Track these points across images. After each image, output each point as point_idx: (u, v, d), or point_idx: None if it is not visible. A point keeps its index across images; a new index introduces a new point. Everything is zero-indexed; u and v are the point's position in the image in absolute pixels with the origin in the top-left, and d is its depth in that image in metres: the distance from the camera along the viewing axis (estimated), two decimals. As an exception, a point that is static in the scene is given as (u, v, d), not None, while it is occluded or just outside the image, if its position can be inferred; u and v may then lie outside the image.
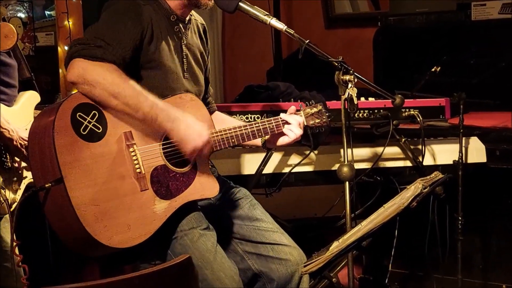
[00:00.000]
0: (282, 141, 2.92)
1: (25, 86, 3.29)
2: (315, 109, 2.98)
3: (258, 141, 2.94)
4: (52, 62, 5.21)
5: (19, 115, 3.11)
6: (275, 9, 6.24)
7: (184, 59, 2.81)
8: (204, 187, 2.70)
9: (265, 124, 2.86)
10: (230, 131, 2.78)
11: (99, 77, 2.45)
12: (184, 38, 2.81)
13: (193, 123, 2.60)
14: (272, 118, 2.89)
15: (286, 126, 2.90)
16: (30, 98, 3.22)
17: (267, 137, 2.92)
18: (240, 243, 2.88)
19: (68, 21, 5.19)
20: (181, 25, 2.80)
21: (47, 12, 5.82)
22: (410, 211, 2.85)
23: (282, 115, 2.91)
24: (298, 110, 2.97)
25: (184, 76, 2.80)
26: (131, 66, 2.60)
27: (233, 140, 2.78)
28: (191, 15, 2.87)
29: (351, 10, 6.71)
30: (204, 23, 3.02)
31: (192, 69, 2.86)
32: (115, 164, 2.49)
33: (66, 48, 5.20)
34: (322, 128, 2.99)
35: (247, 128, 2.81)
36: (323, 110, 2.99)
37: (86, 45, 2.48)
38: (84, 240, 2.42)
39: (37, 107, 3.23)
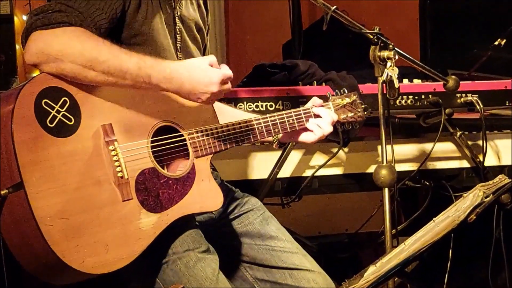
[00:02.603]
0: (304, 138, 2.94)
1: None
2: (347, 100, 2.98)
3: (269, 137, 2.95)
4: (7, 35, 5.22)
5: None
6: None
7: (177, 35, 2.83)
8: (205, 197, 2.71)
9: (283, 117, 2.87)
10: (239, 126, 2.80)
11: (64, 47, 2.45)
12: (178, 8, 2.83)
13: (196, 67, 2.61)
14: (292, 109, 2.90)
15: (311, 119, 2.91)
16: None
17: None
18: (249, 267, 2.90)
19: (28, -16, 5.22)
20: (174, -8, 2.82)
21: (0, -28, 5.83)
22: (467, 226, 2.86)
23: (308, 106, 2.92)
24: (325, 100, 2.96)
25: (177, 56, 2.82)
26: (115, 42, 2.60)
27: (242, 138, 2.80)
28: (188, -21, 2.89)
29: (391, -34, 6.71)
30: None
31: (187, 49, 2.87)
32: (90, 166, 2.50)
33: (24, 18, 5.21)
34: (355, 124, 3.00)
35: (260, 123, 2.83)
36: (358, 101, 2.99)
37: (44, 12, 2.49)
38: (49, 263, 2.41)
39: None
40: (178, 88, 2.58)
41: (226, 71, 2.65)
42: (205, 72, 2.60)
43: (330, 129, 2.91)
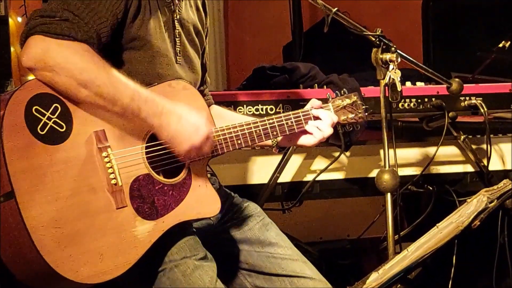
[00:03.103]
0: (304, 141, 2.92)
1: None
2: (347, 101, 2.97)
3: (268, 140, 2.93)
4: (1, 37, 5.22)
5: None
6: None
7: (176, 39, 2.81)
8: (201, 204, 2.70)
9: (282, 120, 2.85)
10: (235, 130, 2.77)
11: (65, 62, 2.44)
12: (177, 11, 2.81)
13: (187, 113, 2.60)
14: (290, 112, 2.88)
15: (310, 122, 2.89)
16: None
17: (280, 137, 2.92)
18: (248, 275, 2.88)
19: (25, -20, 5.21)
20: (174, -5, 2.80)
21: (-6, -29, 5.82)
22: (471, 232, 2.85)
23: (307, 108, 2.90)
24: (325, 101, 2.95)
25: (176, 60, 2.80)
26: (109, 46, 2.59)
27: (239, 142, 2.78)
28: (187, -17, 2.88)
29: (393, -33, 6.71)
30: None
31: (186, 52, 2.86)
32: (83, 174, 2.48)
33: (19, 19, 5.21)
34: (357, 126, 2.99)
35: (258, 126, 2.80)
36: (359, 102, 2.98)
37: (51, 18, 2.46)
38: (42, 273, 2.40)
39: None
40: (163, 126, 2.56)
41: (212, 134, 2.67)
42: (193, 125, 2.60)
43: (330, 131, 2.89)
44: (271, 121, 2.83)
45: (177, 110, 2.58)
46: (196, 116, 2.61)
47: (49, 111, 2.45)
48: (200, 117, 2.62)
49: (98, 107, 2.49)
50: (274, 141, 2.95)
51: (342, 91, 3.01)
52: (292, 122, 2.86)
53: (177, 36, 2.81)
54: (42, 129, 2.43)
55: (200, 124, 2.61)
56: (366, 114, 3.01)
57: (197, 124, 2.60)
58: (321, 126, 2.88)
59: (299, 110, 2.90)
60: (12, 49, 5.03)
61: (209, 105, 3.01)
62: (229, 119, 2.94)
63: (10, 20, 5.26)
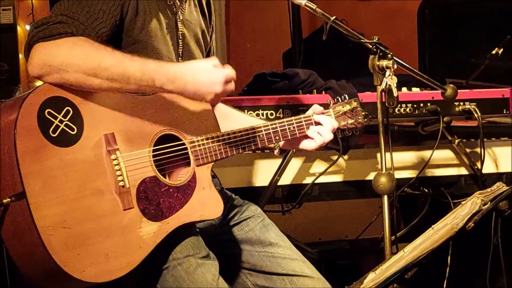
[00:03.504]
0: (305, 145, 2.94)
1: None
2: (348, 107, 2.98)
3: (270, 144, 2.94)
4: (10, 44, 5.21)
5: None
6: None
7: (179, 40, 2.82)
8: (205, 206, 2.71)
9: (284, 125, 2.87)
10: (240, 134, 2.78)
11: (67, 57, 2.45)
12: (180, 13, 2.82)
13: (199, 68, 2.59)
14: (293, 117, 2.89)
15: (311, 127, 2.90)
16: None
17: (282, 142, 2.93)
18: (249, 274, 2.89)
19: (30, -7, 5.21)
20: (176, -3, 2.80)
21: (3, -19, 5.83)
22: (466, 233, 2.85)
23: (309, 113, 2.92)
24: (326, 107, 2.95)
25: (178, 61, 2.80)
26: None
27: (243, 146, 2.79)
28: (190, -16, 2.89)
29: (390, -24, 6.71)
30: None
31: (190, 53, 2.86)
32: (92, 176, 2.49)
33: (27, 27, 5.20)
34: (356, 131, 3.00)
35: (262, 131, 2.82)
36: (358, 108, 2.99)
37: (45, 24, 2.48)
38: (50, 272, 2.41)
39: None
40: (182, 89, 2.56)
41: (229, 71, 2.63)
42: (208, 72, 2.59)
43: (330, 136, 2.91)
44: (274, 126, 2.85)
45: (186, 69, 2.57)
46: (203, 65, 2.61)
47: (61, 114, 2.46)
48: (207, 62, 2.62)
49: (115, 90, 2.50)
50: (276, 145, 2.96)
51: (343, 97, 3.02)
52: (294, 127, 2.88)
53: (180, 37, 2.82)
54: (54, 131, 2.44)
55: (212, 72, 2.59)
56: (366, 120, 3.02)
57: (210, 73, 2.59)
58: (322, 132, 2.89)
59: (301, 116, 2.92)
60: (20, 56, 5.03)
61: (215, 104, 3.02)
62: (234, 119, 2.97)
63: (19, 28, 5.27)
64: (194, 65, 2.60)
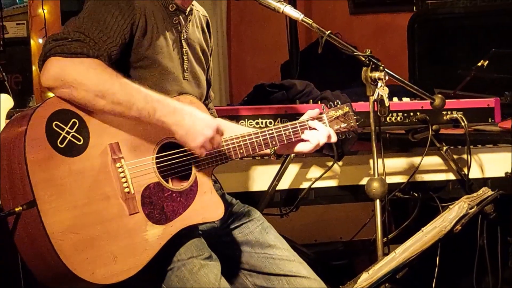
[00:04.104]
0: (300, 148, 2.92)
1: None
2: (340, 112, 2.98)
3: (267, 149, 2.92)
4: (23, 57, 5.22)
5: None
6: (291, -10, 6.24)
7: (184, 57, 2.81)
8: (206, 209, 2.70)
9: (280, 131, 2.85)
10: (238, 140, 2.77)
11: (81, 77, 2.45)
12: (184, 31, 2.81)
13: (197, 112, 2.61)
14: (288, 123, 2.88)
15: (306, 131, 2.89)
16: (1, 103, 3.24)
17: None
18: (249, 275, 2.87)
19: (42, 9, 5.20)
20: (181, 17, 2.79)
21: (17, -3, 5.82)
22: (453, 235, 2.84)
23: (303, 119, 2.91)
24: (320, 113, 2.95)
25: (184, 76, 2.80)
26: (119, 65, 2.59)
27: (241, 151, 2.78)
28: (192, 5, 2.87)
29: (382, -8, 6.71)
30: (207, 15, 3.02)
31: (193, 69, 2.86)
32: (99, 183, 2.48)
33: (40, 41, 5.20)
34: (349, 134, 2.99)
35: (259, 136, 2.81)
36: (350, 113, 2.98)
37: (63, 40, 2.48)
38: (61, 275, 2.40)
39: (8, 113, 3.24)
40: (178, 124, 2.55)
41: (221, 127, 2.66)
42: (204, 118, 2.61)
43: (324, 139, 2.89)
44: (270, 131, 2.83)
45: (187, 108, 2.59)
46: (203, 114, 2.63)
47: (68, 126, 2.46)
48: (206, 114, 2.64)
49: (116, 114, 2.50)
50: (272, 150, 2.94)
51: (335, 102, 3.01)
52: (289, 132, 2.87)
53: (185, 54, 2.80)
54: (61, 142, 2.44)
55: (208, 118, 2.62)
56: (358, 124, 3.01)
57: (206, 118, 2.61)
58: (316, 135, 2.88)
59: (296, 121, 2.91)
60: (33, 67, 5.04)
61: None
62: (231, 130, 2.93)
63: (32, 42, 5.28)
64: (194, 109, 2.61)
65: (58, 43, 2.47)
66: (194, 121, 2.57)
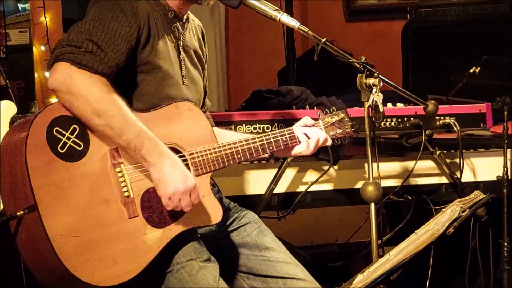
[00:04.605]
0: (298, 149, 2.91)
1: (-2, 94, 3.32)
2: (336, 118, 2.97)
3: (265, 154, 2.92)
4: (26, 64, 5.22)
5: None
6: (287, -1, 6.25)
7: (182, 63, 2.81)
8: (205, 212, 2.68)
9: (277, 137, 2.85)
10: (235, 145, 2.77)
11: (85, 90, 2.44)
12: (181, 38, 2.81)
13: (181, 165, 2.56)
14: (285, 129, 2.88)
15: (301, 137, 2.89)
16: (5, 110, 3.25)
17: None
18: (246, 277, 2.86)
19: (45, 17, 5.20)
20: (178, 24, 2.79)
21: (20, 5, 5.82)
22: (446, 238, 2.84)
23: (297, 126, 2.90)
24: (316, 119, 2.94)
25: (183, 82, 2.80)
26: (123, 69, 2.58)
27: (239, 156, 2.77)
28: (189, 14, 2.87)
29: (376, 1, 6.71)
30: (202, 25, 3.02)
31: (191, 75, 2.85)
32: (99, 187, 2.48)
33: (42, 48, 5.20)
34: (344, 140, 2.98)
35: (256, 142, 2.80)
36: (346, 119, 2.98)
37: (77, 48, 2.47)
38: (62, 277, 2.40)
39: (12, 119, 3.24)
40: (157, 167, 2.50)
41: (197, 191, 2.59)
42: (184, 174, 2.54)
43: (321, 143, 2.90)
44: (267, 137, 2.83)
45: (174, 157, 2.55)
46: (187, 171, 2.57)
47: (68, 132, 2.46)
48: (189, 173, 2.58)
49: (105, 136, 2.49)
50: (269, 154, 2.94)
51: (331, 109, 3.01)
52: (286, 138, 2.87)
53: (182, 60, 2.80)
54: (62, 148, 2.43)
55: (189, 176, 2.56)
56: (353, 129, 3.01)
57: (187, 174, 2.56)
58: (314, 139, 2.88)
59: (293, 127, 2.90)
60: (36, 74, 5.04)
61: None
62: (228, 137, 2.93)
63: (34, 49, 5.28)
64: (179, 162, 2.56)
65: (71, 50, 2.46)
66: (172, 171, 2.52)
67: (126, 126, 2.48)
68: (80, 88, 2.44)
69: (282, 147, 2.86)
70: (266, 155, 2.92)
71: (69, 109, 2.47)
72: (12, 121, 3.27)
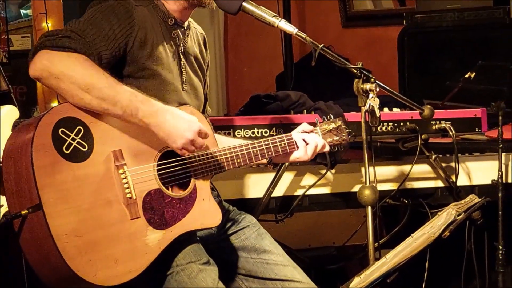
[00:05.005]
0: (296, 155, 2.92)
1: (1, 99, 3.32)
2: (333, 125, 2.98)
3: (264, 159, 2.94)
4: (27, 69, 5.21)
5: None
6: (285, 4, 6.23)
7: (182, 69, 2.82)
8: (205, 215, 2.70)
9: (276, 142, 2.86)
10: (235, 150, 2.78)
11: (67, 69, 2.45)
12: (182, 45, 2.83)
13: (180, 112, 2.59)
14: (284, 135, 2.89)
15: (300, 143, 2.90)
16: (7, 114, 3.25)
17: (274, 154, 2.92)
18: (245, 279, 2.88)
19: (46, 23, 5.20)
20: (179, 31, 2.81)
21: (22, 11, 5.83)
22: (442, 241, 2.85)
23: (296, 132, 2.92)
24: (314, 125, 2.96)
25: (183, 88, 2.81)
26: (119, 76, 2.61)
27: (238, 160, 2.78)
28: (190, 22, 2.89)
29: (373, 7, 6.72)
30: (204, 33, 3.04)
31: (191, 81, 2.87)
32: (102, 188, 2.49)
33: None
34: (341, 147, 3.00)
35: (255, 147, 2.82)
36: (343, 126, 2.99)
37: (54, 35, 2.49)
38: (65, 276, 2.41)
39: (14, 123, 3.25)
40: (159, 125, 2.53)
41: (204, 127, 2.63)
42: (186, 121, 2.58)
43: (319, 150, 2.91)
44: (266, 142, 2.84)
45: (171, 109, 2.57)
46: (187, 115, 2.60)
47: (73, 133, 2.47)
48: (187, 115, 2.61)
49: (101, 110, 2.49)
50: (268, 159, 2.96)
51: (328, 116, 3.02)
52: (285, 144, 2.88)
53: (183, 66, 2.82)
54: (67, 148, 2.45)
55: (192, 119, 2.59)
56: (349, 137, 3.02)
57: (189, 120, 2.58)
58: (311, 145, 2.90)
59: (291, 133, 2.92)
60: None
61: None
62: (228, 143, 2.94)
63: (36, 54, 5.26)
64: (177, 110, 2.59)
65: (49, 38, 2.49)
66: (175, 124, 2.55)
67: (117, 94, 2.48)
68: (62, 68, 2.45)
69: (281, 153, 2.88)
70: (265, 160, 2.94)
71: (60, 93, 2.48)
72: (15, 125, 3.28)
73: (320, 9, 6.77)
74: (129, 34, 2.62)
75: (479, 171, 3.93)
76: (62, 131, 2.45)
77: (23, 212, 2.38)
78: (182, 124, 2.56)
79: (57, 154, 2.43)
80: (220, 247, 2.87)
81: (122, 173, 2.53)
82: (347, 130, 3.00)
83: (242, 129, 3.62)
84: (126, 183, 2.53)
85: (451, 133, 3.72)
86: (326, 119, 3.01)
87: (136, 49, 2.65)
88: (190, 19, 2.88)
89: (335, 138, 2.97)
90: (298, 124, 2.99)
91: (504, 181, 3.75)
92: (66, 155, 2.44)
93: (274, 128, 3.64)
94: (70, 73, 2.45)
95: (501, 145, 3.72)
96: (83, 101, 2.47)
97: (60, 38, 2.48)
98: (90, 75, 2.46)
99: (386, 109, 3.78)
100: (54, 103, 2.50)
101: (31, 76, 2.51)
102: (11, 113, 3.27)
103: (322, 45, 2.75)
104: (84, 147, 2.48)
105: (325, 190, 3.81)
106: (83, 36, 2.51)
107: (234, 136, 3.61)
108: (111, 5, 2.63)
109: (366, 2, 6.71)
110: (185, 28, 2.85)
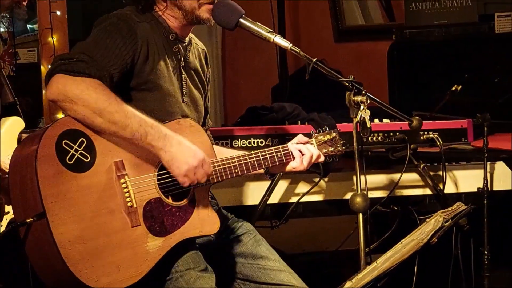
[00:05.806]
0: (292, 165, 2.91)
1: (7, 111, 3.31)
2: (328, 137, 2.98)
3: (261, 169, 2.92)
4: (34, 81, 5.21)
5: (2, 144, 3.13)
6: (280, 20, 6.26)
7: (183, 82, 2.82)
8: (203, 223, 2.69)
9: (273, 153, 2.85)
10: (233, 160, 2.77)
11: (82, 93, 2.46)
12: (183, 59, 2.83)
13: (186, 142, 2.58)
14: (280, 146, 2.88)
15: (296, 154, 2.89)
16: (13, 125, 3.25)
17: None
18: (243, 283, 2.87)
19: (52, 38, 5.22)
20: (180, 46, 2.81)
21: (29, 26, 5.84)
22: (430, 246, 2.84)
23: (292, 143, 2.91)
24: (309, 137, 2.95)
25: (183, 100, 2.81)
26: (124, 88, 2.62)
27: (236, 171, 2.77)
28: (191, 38, 2.89)
29: (363, 22, 6.73)
30: (205, 49, 3.03)
31: (192, 94, 2.87)
32: (104, 197, 2.49)
33: (50, 67, 5.20)
34: (335, 158, 2.99)
35: (253, 157, 2.81)
36: (337, 137, 2.99)
37: (69, 59, 2.50)
38: (68, 282, 2.40)
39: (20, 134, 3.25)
40: (166, 149, 2.52)
41: (208, 160, 2.62)
42: (191, 149, 2.57)
43: (314, 160, 2.90)
44: (263, 153, 2.83)
45: (178, 136, 2.56)
46: (193, 145, 2.60)
47: (76, 144, 2.47)
48: (197, 147, 2.60)
49: (111, 133, 2.49)
50: (265, 169, 2.95)
51: (324, 128, 3.02)
52: (281, 154, 2.87)
53: (184, 80, 2.81)
54: (70, 159, 2.45)
55: (196, 149, 2.59)
56: (344, 148, 3.02)
57: (194, 149, 2.58)
58: (307, 156, 2.89)
59: (287, 144, 2.91)
60: (43, 91, 5.03)
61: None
62: (226, 153, 2.93)
63: (42, 67, 5.29)
64: (183, 139, 2.58)
65: (64, 62, 2.49)
66: (181, 150, 2.55)
67: (127, 118, 2.48)
68: (76, 92, 2.45)
69: (277, 163, 2.86)
70: (262, 170, 2.93)
71: (73, 116, 2.47)
72: (20, 136, 3.28)
73: (314, 25, 6.78)
74: (134, 50, 2.63)
75: (465, 180, 3.94)
76: (65, 143, 2.45)
77: (28, 220, 2.38)
78: (187, 151, 2.56)
79: (61, 165, 2.42)
80: (218, 254, 2.87)
81: (123, 183, 2.52)
82: (341, 142, 2.99)
83: (239, 139, 3.62)
84: (127, 192, 2.53)
85: (438, 143, 3.73)
86: (321, 131, 3.00)
87: (140, 64, 2.66)
88: (191, 34, 2.88)
89: (330, 149, 2.97)
90: (292, 134, 3.00)
91: (489, 189, 3.76)
92: (69, 166, 2.44)
93: (269, 138, 3.65)
94: (84, 97, 2.45)
95: (486, 155, 3.73)
96: (93, 123, 2.48)
97: (74, 62, 2.48)
98: (102, 100, 2.46)
99: (376, 120, 3.78)
100: (59, 115, 2.49)
101: (48, 99, 2.52)
102: (16, 124, 3.27)
103: (315, 59, 2.75)
104: (87, 158, 2.48)
105: (319, 197, 3.82)
106: (95, 58, 2.51)
107: (232, 145, 3.61)
108: (114, 24, 2.63)
109: (357, 17, 6.72)
110: (187, 43, 2.85)
